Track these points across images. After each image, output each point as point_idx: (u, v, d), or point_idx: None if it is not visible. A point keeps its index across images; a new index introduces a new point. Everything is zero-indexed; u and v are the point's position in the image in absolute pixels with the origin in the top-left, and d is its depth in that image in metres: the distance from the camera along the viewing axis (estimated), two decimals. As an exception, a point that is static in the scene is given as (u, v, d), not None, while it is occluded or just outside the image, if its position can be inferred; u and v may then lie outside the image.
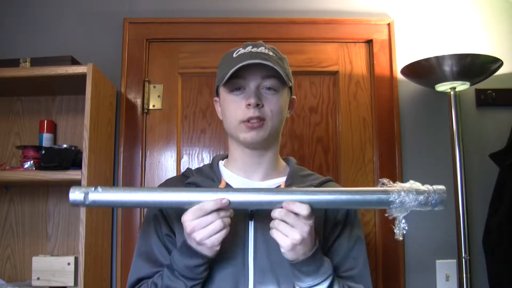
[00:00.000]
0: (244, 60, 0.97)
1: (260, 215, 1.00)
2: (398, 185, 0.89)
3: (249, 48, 1.02)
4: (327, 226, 1.03)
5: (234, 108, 1.01)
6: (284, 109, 1.05)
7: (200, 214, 0.86)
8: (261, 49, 1.02)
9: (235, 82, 1.00)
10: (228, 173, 1.07)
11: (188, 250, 0.89)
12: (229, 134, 1.07)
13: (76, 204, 0.88)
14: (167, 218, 1.02)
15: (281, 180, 1.06)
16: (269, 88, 1.01)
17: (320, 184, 1.07)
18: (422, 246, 1.76)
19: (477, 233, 1.74)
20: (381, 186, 0.90)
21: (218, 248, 0.88)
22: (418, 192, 0.88)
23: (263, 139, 1.01)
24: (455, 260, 1.74)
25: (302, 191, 0.89)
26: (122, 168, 1.75)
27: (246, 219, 1.00)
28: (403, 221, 0.89)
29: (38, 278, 1.54)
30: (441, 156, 1.80)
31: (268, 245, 0.97)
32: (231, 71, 0.97)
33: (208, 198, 0.86)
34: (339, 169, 1.81)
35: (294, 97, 1.12)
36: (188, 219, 0.86)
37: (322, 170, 1.80)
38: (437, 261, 1.76)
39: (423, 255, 1.75)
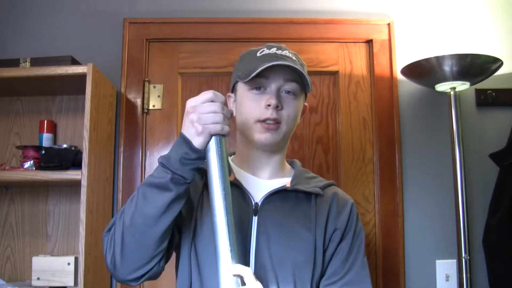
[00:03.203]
0: (270, 61, 0.98)
1: (264, 212, 1.00)
2: None
3: (273, 50, 1.04)
4: (329, 228, 1.03)
5: (252, 106, 1.02)
6: (299, 115, 1.07)
7: (205, 100, 0.86)
8: (285, 53, 1.04)
9: (257, 80, 1.01)
10: (236, 169, 1.08)
11: (180, 139, 0.87)
12: (241, 132, 1.07)
13: None
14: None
15: (286, 180, 1.07)
16: (288, 92, 1.02)
17: (324, 187, 1.08)
18: (422, 246, 1.76)
19: (477, 233, 1.74)
20: None
21: (205, 136, 0.85)
22: None
23: (276, 142, 1.02)
24: (455, 260, 1.74)
25: None
26: (122, 168, 1.75)
27: (251, 214, 1.00)
28: None
29: (38, 278, 1.53)
30: (441, 156, 1.80)
31: (269, 242, 0.98)
32: (259, 69, 0.97)
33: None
34: (339, 169, 1.81)
35: (306, 104, 1.13)
36: (193, 100, 0.87)
37: (322, 170, 1.80)
38: (437, 261, 1.76)
39: (423, 255, 1.75)
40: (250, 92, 1.03)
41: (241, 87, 1.05)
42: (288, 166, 1.14)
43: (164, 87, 1.83)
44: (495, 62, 1.61)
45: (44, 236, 1.74)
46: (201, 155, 0.87)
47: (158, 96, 1.82)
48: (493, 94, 1.84)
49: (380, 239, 1.76)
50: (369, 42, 1.87)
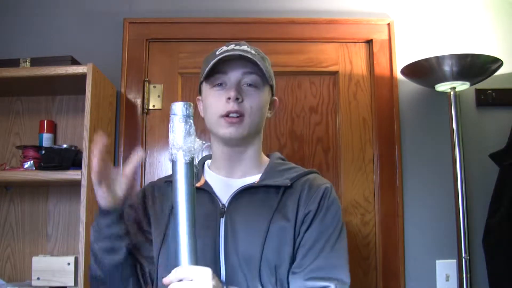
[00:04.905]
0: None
1: (231, 212, 1.00)
2: None
3: (231, 46, 1.05)
4: (299, 217, 0.99)
5: (215, 103, 1.02)
6: (265, 107, 1.06)
7: None
8: (244, 47, 1.05)
9: (216, 77, 1.03)
10: (209, 173, 1.09)
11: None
12: (210, 131, 1.08)
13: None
14: (148, 208, 1.09)
15: (258, 177, 1.05)
16: (250, 85, 1.03)
17: (299, 177, 1.04)
18: (422, 246, 1.76)
19: (477, 233, 1.74)
20: None
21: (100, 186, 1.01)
22: None
23: (242, 135, 1.02)
24: (455, 260, 1.74)
25: None
26: (122, 168, 1.74)
27: (218, 216, 1.00)
28: None
29: (38, 278, 1.54)
30: (441, 156, 1.80)
31: (236, 242, 0.97)
32: (211, 63, 0.99)
33: None
34: (339, 169, 1.81)
35: (276, 98, 1.13)
36: None
37: (322, 170, 1.80)
38: (437, 261, 1.76)
39: (423, 255, 1.75)
40: (212, 90, 1.04)
41: (204, 87, 1.07)
42: (265, 160, 1.11)
43: (164, 87, 1.83)
44: (495, 62, 1.62)
45: (44, 236, 1.74)
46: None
47: (158, 96, 1.82)
48: (493, 94, 1.84)
49: (380, 239, 1.76)
50: (369, 42, 1.87)
